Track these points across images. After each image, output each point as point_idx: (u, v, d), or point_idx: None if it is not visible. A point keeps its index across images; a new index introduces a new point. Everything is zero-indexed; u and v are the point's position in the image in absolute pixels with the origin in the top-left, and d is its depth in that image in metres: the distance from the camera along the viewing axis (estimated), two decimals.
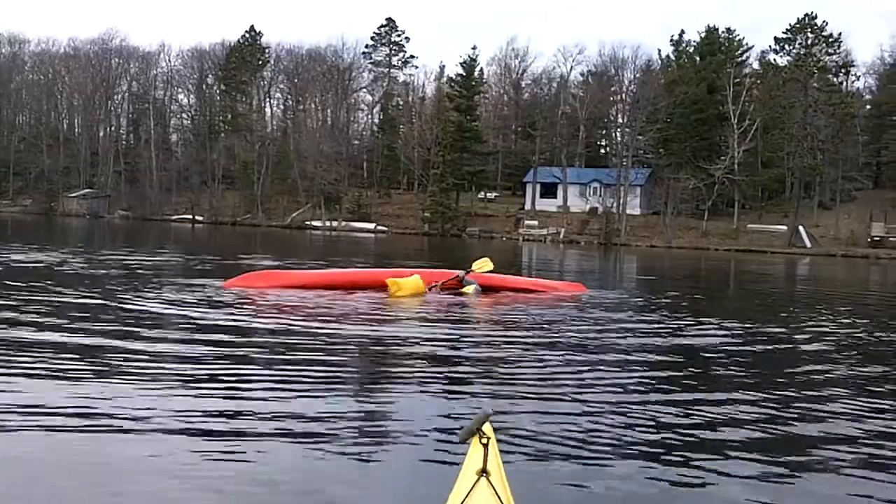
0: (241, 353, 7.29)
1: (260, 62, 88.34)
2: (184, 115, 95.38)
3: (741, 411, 5.56)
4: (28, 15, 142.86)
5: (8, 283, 11.96)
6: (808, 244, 62.45)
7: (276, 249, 31.00)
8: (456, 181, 73.64)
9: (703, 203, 67.88)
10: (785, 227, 65.35)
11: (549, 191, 76.18)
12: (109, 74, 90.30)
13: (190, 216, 77.23)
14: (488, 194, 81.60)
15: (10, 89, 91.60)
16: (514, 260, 34.11)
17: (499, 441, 2.41)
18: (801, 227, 64.41)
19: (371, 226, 70.59)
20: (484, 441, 2.34)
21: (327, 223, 73.51)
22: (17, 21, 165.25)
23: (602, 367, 7.15)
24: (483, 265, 14.55)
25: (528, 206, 75.87)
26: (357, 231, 66.96)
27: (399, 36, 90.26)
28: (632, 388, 6.30)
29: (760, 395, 6.18)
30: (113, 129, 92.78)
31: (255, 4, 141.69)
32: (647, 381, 6.63)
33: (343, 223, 72.49)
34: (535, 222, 70.69)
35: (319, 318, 9.63)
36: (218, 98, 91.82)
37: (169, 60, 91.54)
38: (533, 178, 76.05)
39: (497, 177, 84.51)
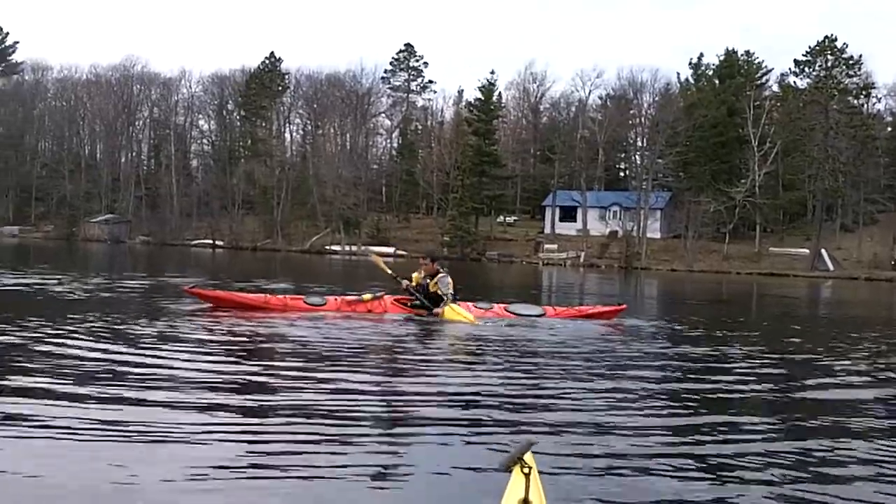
0: (251, 381, 7.14)
1: (280, 88, 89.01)
2: (204, 141, 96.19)
3: (774, 445, 5.37)
4: (51, 42, 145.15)
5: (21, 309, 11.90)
6: (831, 267, 61.98)
7: (295, 274, 30.99)
8: (475, 205, 73.75)
9: (723, 226, 67.60)
10: (807, 251, 64.94)
11: (568, 214, 76.10)
12: (131, 100, 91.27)
13: (210, 241, 77.59)
14: (507, 218, 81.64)
15: (34, 115, 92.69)
16: (534, 284, 33.94)
17: (540, 472, 2.30)
18: (823, 251, 63.98)
19: (390, 250, 70.57)
20: (526, 471, 2.29)
21: (346, 248, 73.63)
22: (40, 48, 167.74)
23: (639, 395, 6.95)
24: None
25: (547, 230, 75.82)
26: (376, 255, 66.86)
27: (417, 61, 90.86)
28: (670, 417, 6.13)
29: (793, 425, 6.01)
30: (134, 154, 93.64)
31: (275, 31, 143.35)
32: (685, 409, 6.46)
33: (362, 247, 72.56)
34: (555, 246, 70.57)
35: (331, 345, 9.41)
36: (238, 124, 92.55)
37: (189, 86, 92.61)
38: (552, 202, 76.07)
39: (516, 201, 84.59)
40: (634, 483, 4.36)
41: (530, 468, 2.30)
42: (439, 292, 12.89)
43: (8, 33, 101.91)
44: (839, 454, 5.13)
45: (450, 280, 13.03)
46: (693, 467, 4.72)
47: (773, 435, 5.65)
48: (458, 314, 12.43)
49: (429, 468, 4.52)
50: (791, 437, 5.59)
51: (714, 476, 4.57)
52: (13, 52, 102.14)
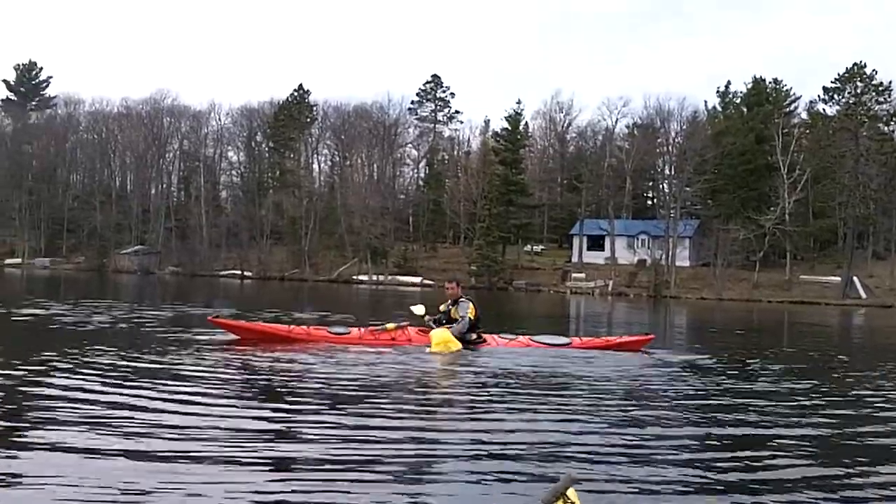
0: (277, 413, 7.07)
1: (308, 119, 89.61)
2: (233, 172, 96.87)
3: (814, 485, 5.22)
4: (83, 76, 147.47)
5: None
6: (864, 295, 61.10)
7: (322, 304, 30.99)
8: (502, 234, 73.58)
9: (753, 254, 66.94)
10: (838, 278, 64.11)
11: (596, 243, 75.75)
12: (161, 133, 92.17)
13: (239, 272, 77.91)
14: (535, 247, 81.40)
15: (66, 148, 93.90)
16: (562, 313, 33.74)
17: None
18: (855, 278, 63.14)
19: (417, 279, 70.53)
20: None
21: (373, 277, 73.69)
22: (72, 82, 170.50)
23: (673, 430, 6.80)
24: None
25: (574, 259, 75.44)
26: (403, 285, 66.93)
27: (444, 92, 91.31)
28: (707, 451, 5.98)
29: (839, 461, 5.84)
30: (164, 186, 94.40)
31: (302, 63, 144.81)
32: (723, 445, 6.31)
33: (389, 277, 72.60)
34: (583, 275, 70.16)
35: (354, 380, 9.20)
36: (266, 155, 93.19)
37: (219, 119, 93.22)
38: (580, 231, 75.75)
39: (543, 229, 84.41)
40: None
41: (573, 503, 2.29)
42: (457, 317, 12.84)
43: (42, 68, 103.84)
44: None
45: (470, 306, 12.94)
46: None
47: (812, 475, 5.47)
48: (435, 341, 12.16)
49: None
50: (829, 478, 5.40)
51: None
52: (46, 86, 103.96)
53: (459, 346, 12.12)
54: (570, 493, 2.33)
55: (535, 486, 4.68)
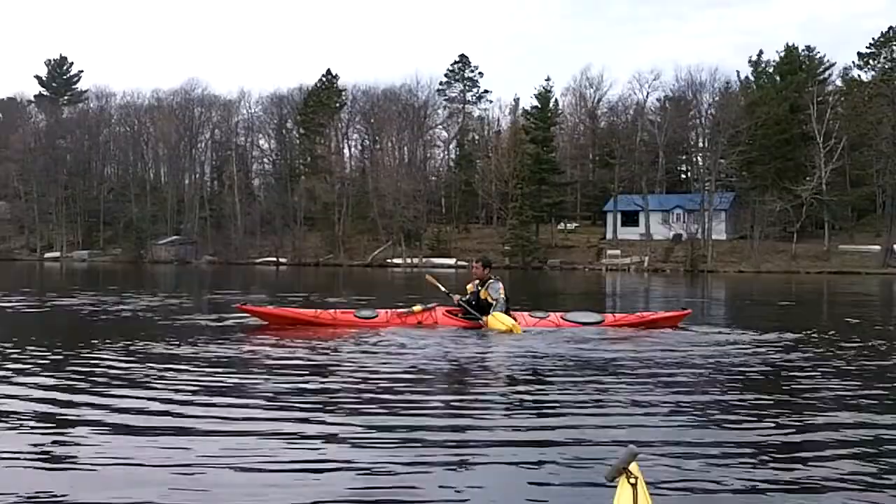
0: (313, 397, 7.03)
1: (337, 104, 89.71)
2: (265, 160, 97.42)
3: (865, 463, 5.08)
4: (114, 69, 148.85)
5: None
6: None
7: (357, 288, 31.04)
8: (535, 213, 73.39)
9: (791, 225, 66.21)
10: (878, 247, 63.23)
11: (630, 219, 75.25)
12: (192, 123, 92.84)
13: (274, 258, 78.43)
14: (568, 225, 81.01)
15: (99, 141, 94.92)
16: (597, 290, 33.54)
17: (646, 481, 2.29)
18: (895, 246, 62.20)
19: (451, 261, 70.49)
20: (632, 481, 2.28)
21: (407, 260, 73.81)
22: (103, 75, 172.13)
23: (718, 406, 6.68)
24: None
25: (609, 236, 75.06)
26: (437, 267, 66.87)
27: (472, 72, 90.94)
28: (751, 428, 5.86)
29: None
30: (197, 176, 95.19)
31: (330, 48, 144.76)
32: (781, 419, 6.18)
33: (423, 259, 72.67)
34: (618, 251, 69.81)
35: (385, 365, 9.03)
36: (297, 141, 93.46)
37: (249, 107, 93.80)
38: (613, 207, 75.27)
39: (576, 207, 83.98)
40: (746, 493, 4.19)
41: (637, 478, 2.28)
42: (489, 299, 12.74)
43: (72, 63, 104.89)
44: None
45: (500, 286, 12.89)
46: (785, 478, 4.48)
47: (860, 451, 5.32)
48: (500, 322, 12.22)
49: (523, 490, 4.32)
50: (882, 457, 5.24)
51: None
52: (78, 80, 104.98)
53: (520, 329, 12.18)
54: (633, 467, 2.31)
55: (591, 464, 4.63)
